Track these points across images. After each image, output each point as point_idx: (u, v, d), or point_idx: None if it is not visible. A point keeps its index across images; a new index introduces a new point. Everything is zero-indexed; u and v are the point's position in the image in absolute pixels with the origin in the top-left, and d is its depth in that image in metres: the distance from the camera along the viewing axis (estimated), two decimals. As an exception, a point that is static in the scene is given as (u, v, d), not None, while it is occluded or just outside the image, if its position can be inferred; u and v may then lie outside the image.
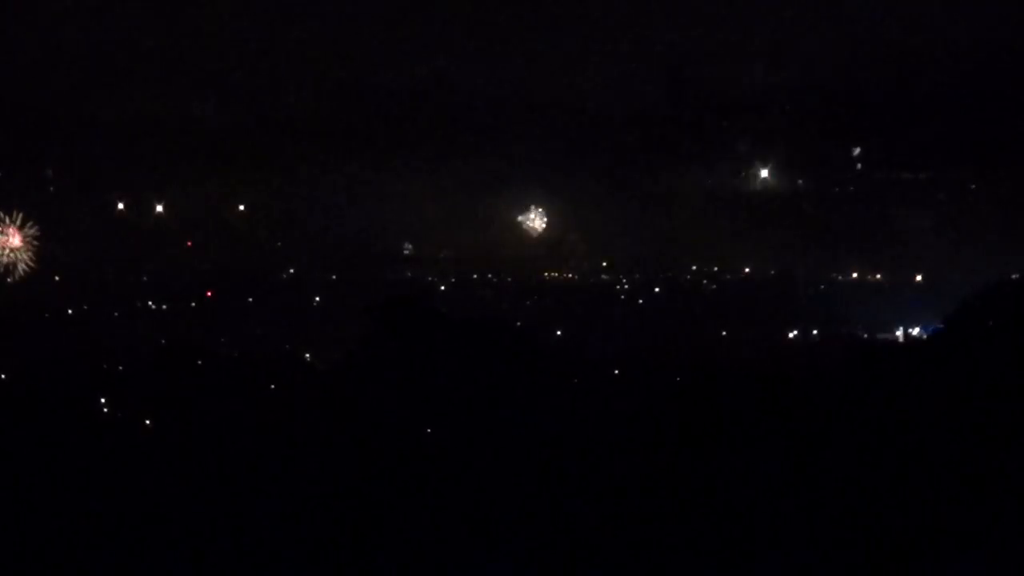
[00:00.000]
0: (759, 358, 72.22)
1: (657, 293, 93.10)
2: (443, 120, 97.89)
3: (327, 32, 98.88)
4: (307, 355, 74.02)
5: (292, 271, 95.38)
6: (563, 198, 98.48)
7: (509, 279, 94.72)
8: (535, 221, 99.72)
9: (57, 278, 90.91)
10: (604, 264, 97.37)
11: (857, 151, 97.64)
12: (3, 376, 63.56)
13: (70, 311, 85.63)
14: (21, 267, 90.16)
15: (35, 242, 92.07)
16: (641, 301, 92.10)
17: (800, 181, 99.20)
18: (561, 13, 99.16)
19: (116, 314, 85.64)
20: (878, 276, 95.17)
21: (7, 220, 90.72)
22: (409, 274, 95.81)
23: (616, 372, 60.12)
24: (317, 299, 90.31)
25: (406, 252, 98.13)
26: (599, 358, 65.19)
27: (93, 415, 56.03)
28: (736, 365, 67.08)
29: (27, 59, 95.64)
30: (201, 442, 44.67)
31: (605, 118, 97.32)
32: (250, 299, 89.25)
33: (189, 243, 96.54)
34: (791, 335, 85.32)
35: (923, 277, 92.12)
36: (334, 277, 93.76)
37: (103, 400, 57.76)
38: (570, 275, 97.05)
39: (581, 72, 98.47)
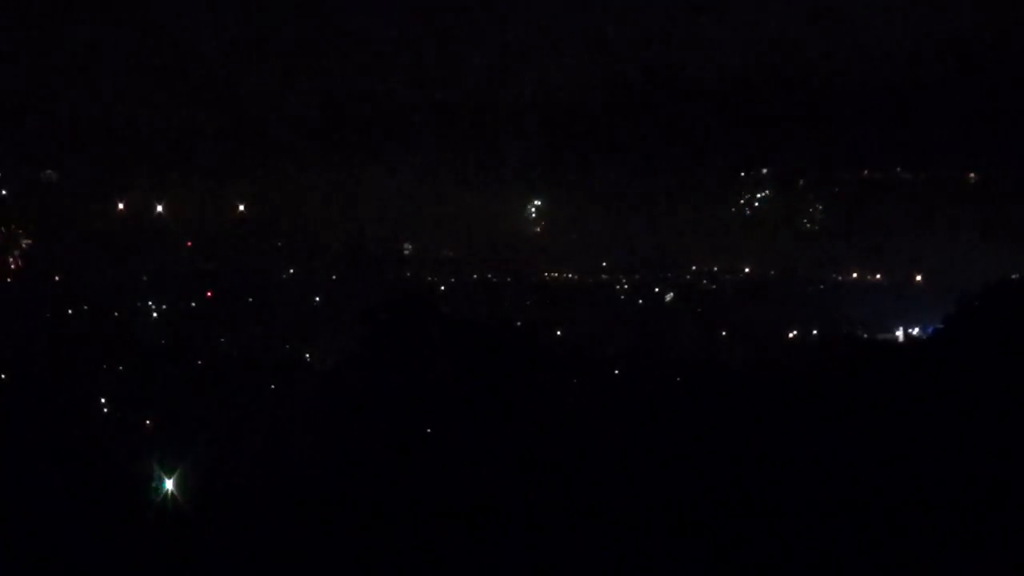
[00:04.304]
0: (759, 358, 72.13)
1: (657, 293, 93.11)
2: (442, 120, 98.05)
3: (327, 34, 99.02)
4: (307, 355, 73.98)
5: (292, 271, 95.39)
6: (563, 198, 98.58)
7: (509, 279, 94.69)
8: (535, 221, 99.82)
9: (57, 278, 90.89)
10: (604, 264, 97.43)
11: (856, 151, 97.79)
12: (3, 376, 63.50)
13: (70, 311, 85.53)
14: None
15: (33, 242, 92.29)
16: (641, 301, 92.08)
17: (801, 181, 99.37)
18: (563, 14, 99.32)
19: (116, 314, 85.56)
20: (878, 276, 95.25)
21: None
22: (409, 274, 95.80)
23: (616, 372, 60.09)
24: (317, 299, 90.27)
25: (406, 252, 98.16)
26: (599, 358, 65.11)
27: (93, 415, 56.04)
28: (736, 365, 67.07)
29: (27, 59, 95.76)
30: (201, 443, 44.65)
31: (605, 118, 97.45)
32: (250, 299, 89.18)
33: (189, 243, 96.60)
34: (791, 335, 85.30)
35: (923, 277, 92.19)
36: (334, 277, 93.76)
37: (103, 400, 57.77)
38: (570, 275, 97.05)
39: (582, 73, 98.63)
